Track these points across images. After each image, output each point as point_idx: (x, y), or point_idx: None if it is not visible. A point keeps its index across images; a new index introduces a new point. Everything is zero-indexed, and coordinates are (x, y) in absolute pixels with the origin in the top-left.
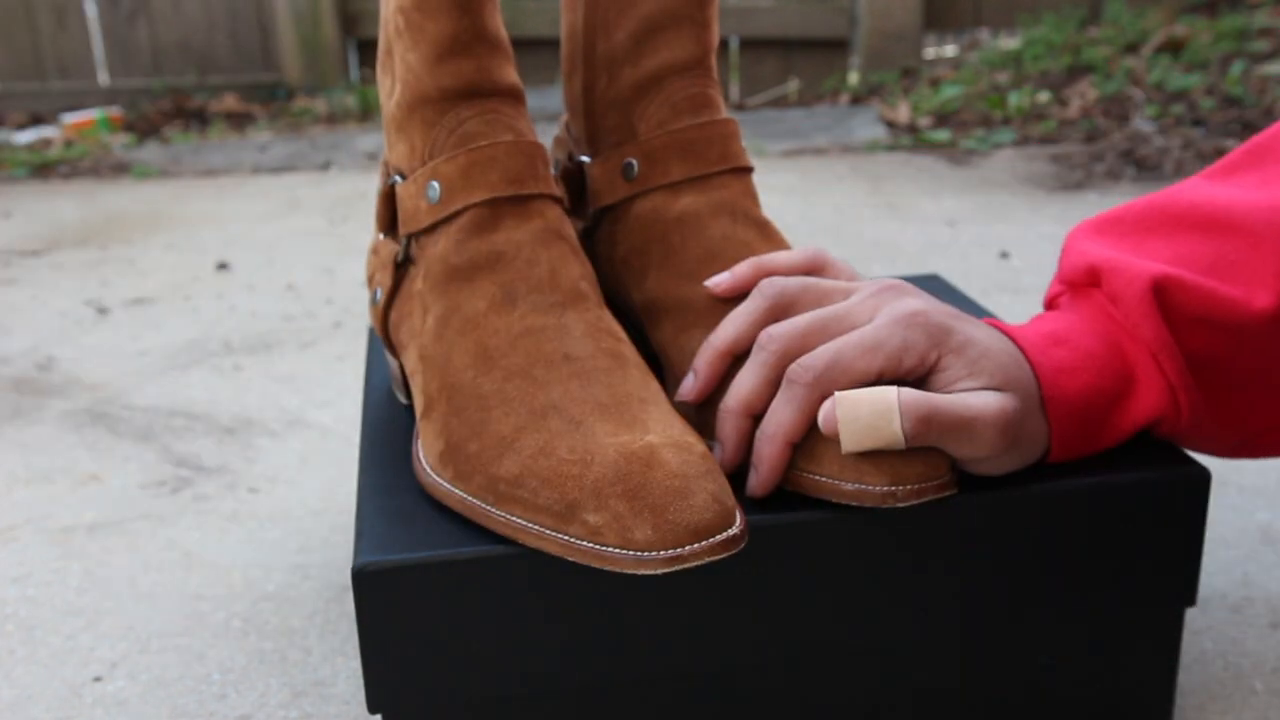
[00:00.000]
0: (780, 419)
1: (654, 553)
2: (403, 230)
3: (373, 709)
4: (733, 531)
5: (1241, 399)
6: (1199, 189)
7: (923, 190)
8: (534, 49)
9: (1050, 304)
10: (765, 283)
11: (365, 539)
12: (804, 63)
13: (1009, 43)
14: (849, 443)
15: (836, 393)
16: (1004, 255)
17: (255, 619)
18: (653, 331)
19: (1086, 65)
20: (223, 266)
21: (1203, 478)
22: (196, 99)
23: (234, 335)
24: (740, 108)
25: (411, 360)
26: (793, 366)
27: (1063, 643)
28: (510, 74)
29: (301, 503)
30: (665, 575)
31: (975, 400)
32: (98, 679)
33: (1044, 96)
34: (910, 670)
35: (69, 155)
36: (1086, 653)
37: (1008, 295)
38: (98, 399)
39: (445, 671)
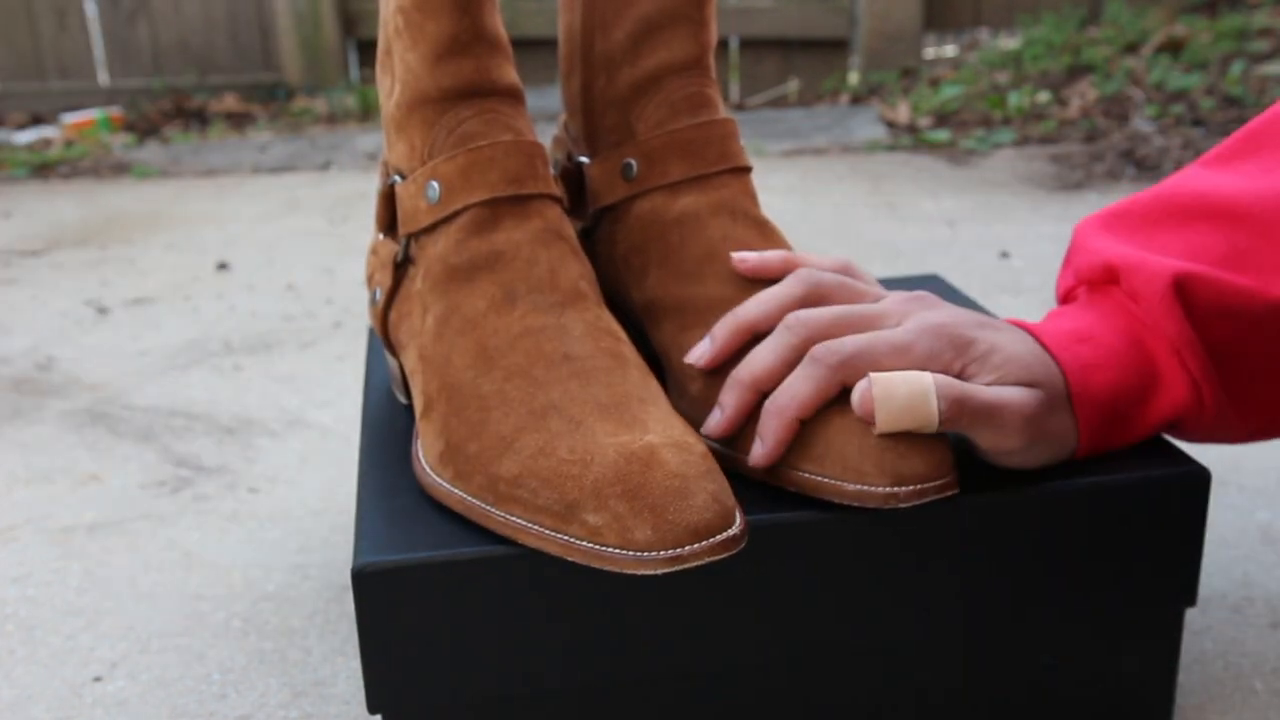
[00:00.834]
0: (795, 392)
1: (654, 553)
2: (402, 230)
3: (373, 709)
4: (733, 531)
5: (1262, 387)
6: (1201, 178)
7: (922, 190)
8: (534, 49)
9: (1065, 298)
10: (803, 271)
11: (365, 539)
12: (804, 63)
13: (1009, 43)
14: (885, 422)
15: (871, 373)
16: (1004, 255)
17: (255, 619)
18: (653, 331)
19: (1086, 65)
20: (223, 266)
21: (1203, 477)
22: (196, 99)
23: (234, 335)
24: (740, 108)
25: (411, 360)
26: (818, 346)
27: (1063, 643)
28: (510, 74)
29: (301, 503)
30: (665, 575)
31: (1004, 390)
32: (98, 679)
33: (1044, 96)
34: (910, 670)
35: (69, 155)
36: (1086, 653)
37: (1008, 295)
38: (98, 399)
39: (445, 671)
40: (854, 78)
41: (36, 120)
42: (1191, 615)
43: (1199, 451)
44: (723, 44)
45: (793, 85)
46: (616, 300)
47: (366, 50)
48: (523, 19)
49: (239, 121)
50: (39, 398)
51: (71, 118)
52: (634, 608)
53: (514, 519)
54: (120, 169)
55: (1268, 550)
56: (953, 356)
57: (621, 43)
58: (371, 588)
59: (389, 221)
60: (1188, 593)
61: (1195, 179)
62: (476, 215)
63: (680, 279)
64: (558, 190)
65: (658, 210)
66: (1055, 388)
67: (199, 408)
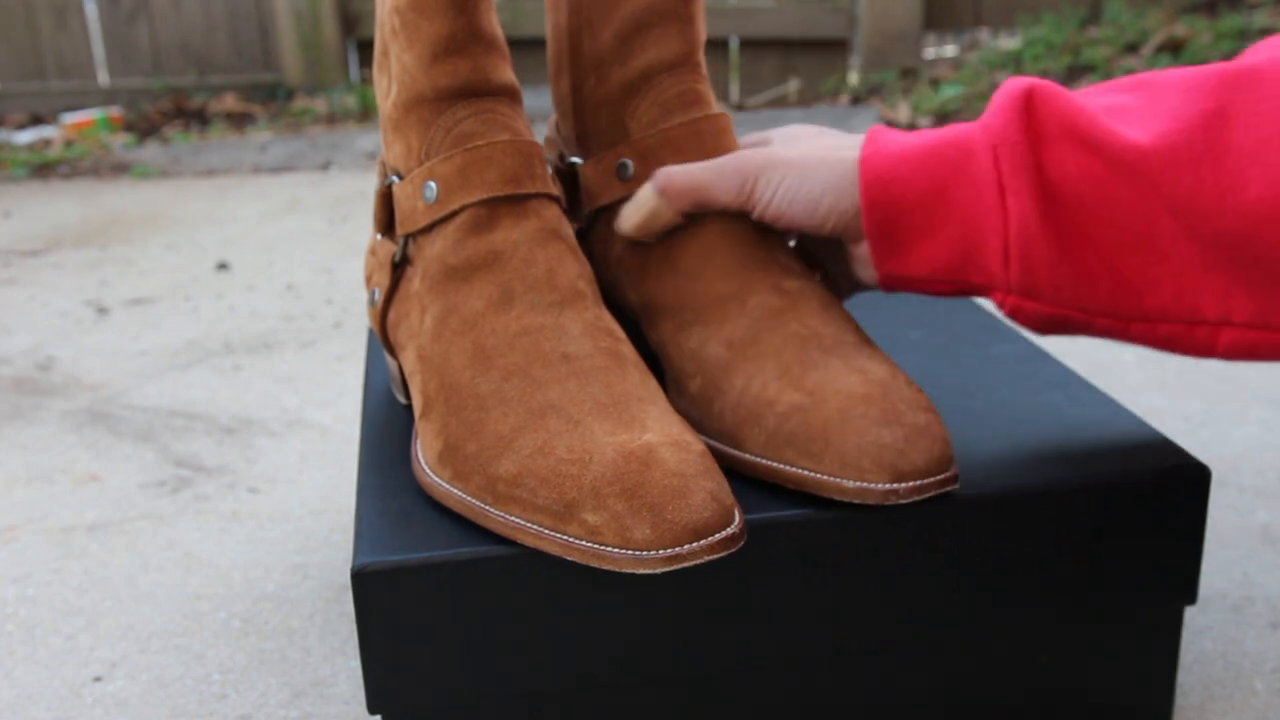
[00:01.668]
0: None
1: (653, 552)
2: (400, 230)
3: (373, 709)
4: (731, 530)
5: (1110, 263)
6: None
7: None
8: (534, 49)
9: None
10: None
11: (365, 539)
12: (804, 63)
13: (1009, 43)
14: (623, 221)
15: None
16: None
17: (255, 619)
18: (650, 330)
19: (1086, 65)
20: (223, 266)
21: (1202, 474)
22: (196, 99)
23: (234, 335)
24: (740, 108)
25: (410, 360)
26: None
27: (1063, 642)
28: (506, 73)
29: (301, 503)
30: (664, 574)
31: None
32: (98, 679)
33: None
34: (909, 669)
35: (69, 155)
36: (1086, 652)
37: None
38: (98, 399)
39: (445, 671)
40: (854, 78)
41: (36, 120)
42: (1191, 615)
43: (1199, 451)
44: (723, 44)
45: (793, 85)
46: (613, 300)
47: (366, 50)
48: (523, 19)
49: (239, 121)
50: (39, 398)
51: (71, 118)
52: (633, 607)
53: (513, 519)
54: (120, 169)
55: (1268, 550)
56: (739, 181)
57: (610, 42)
58: (371, 588)
59: (387, 222)
60: (1188, 591)
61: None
62: (474, 215)
63: (678, 277)
64: (556, 190)
65: None
66: (840, 183)
67: (199, 408)
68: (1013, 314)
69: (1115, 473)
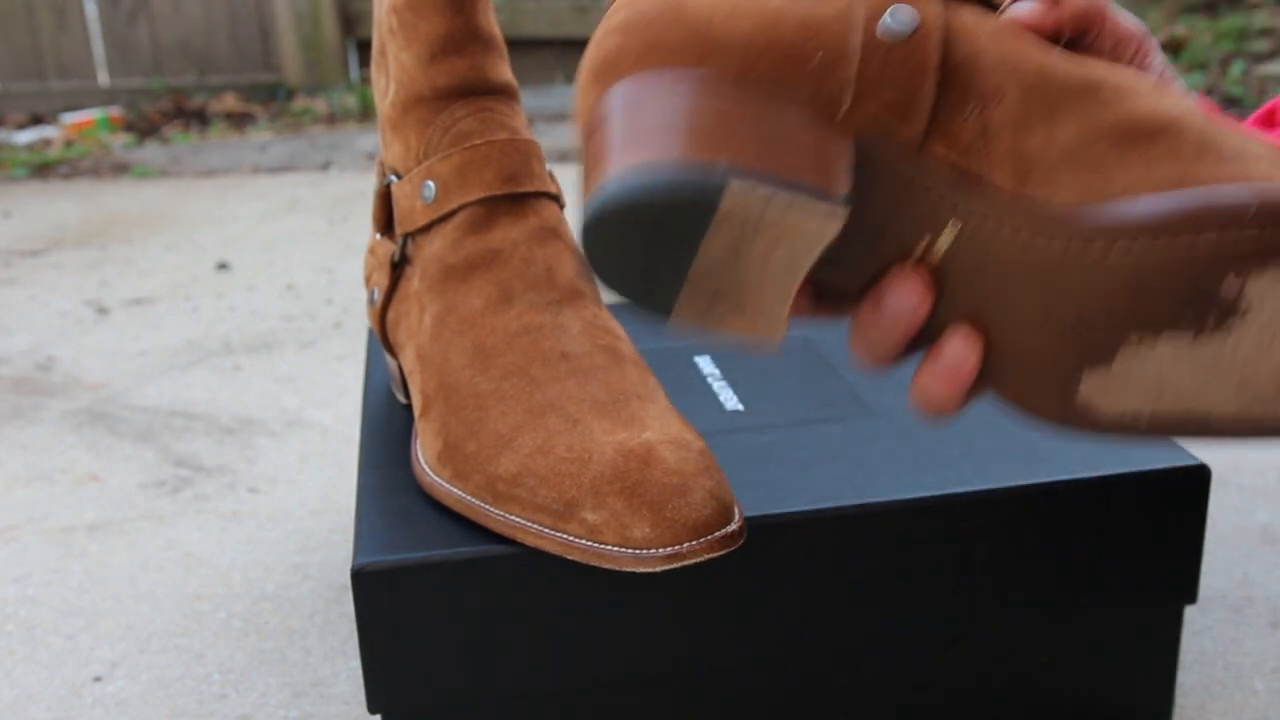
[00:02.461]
0: None
1: (652, 550)
2: (399, 230)
3: (373, 709)
4: (731, 528)
5: None
6: None
7: None
8: (533, 49)
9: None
10: None
11: (365, 539)
12: None
13: None
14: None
15: None
16: None
17: (255, 619)
18: None
19: None
20: (223, 266)
21: (1202, 473)
22: (196, 99)
23: (234, 335)
24: None
25: (409, 360)
26: None
27: (1063, 642)
28: (504, 72)
29: (301, 503)
30: (664, 572)
31: None
32: (98, 679)
33: None
34: (908, 669)
35: (69, 155)
36: (1086, 652)
37: None
38: (98, 399)
39: (445, 671)
40: None
41: (36, 120)
42: (1191, 615)
43: (1199, 449)
44: None
45: None
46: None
47: (366, 50)
48: (522, 19)
49: (239, 121)
50: (39, 398)
51: (71, 118)
52: (632, 606)
53: (513, 518)
54: (120, 169)
55: (1268, 550)
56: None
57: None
58: (371, 587)
59: (386, 221)
60: (1188, 591)
61: None
62: (473, 214)
63: None
64: (554, 188)
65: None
66: None
67: (199, 408)
68: None
69: (1115, 473)
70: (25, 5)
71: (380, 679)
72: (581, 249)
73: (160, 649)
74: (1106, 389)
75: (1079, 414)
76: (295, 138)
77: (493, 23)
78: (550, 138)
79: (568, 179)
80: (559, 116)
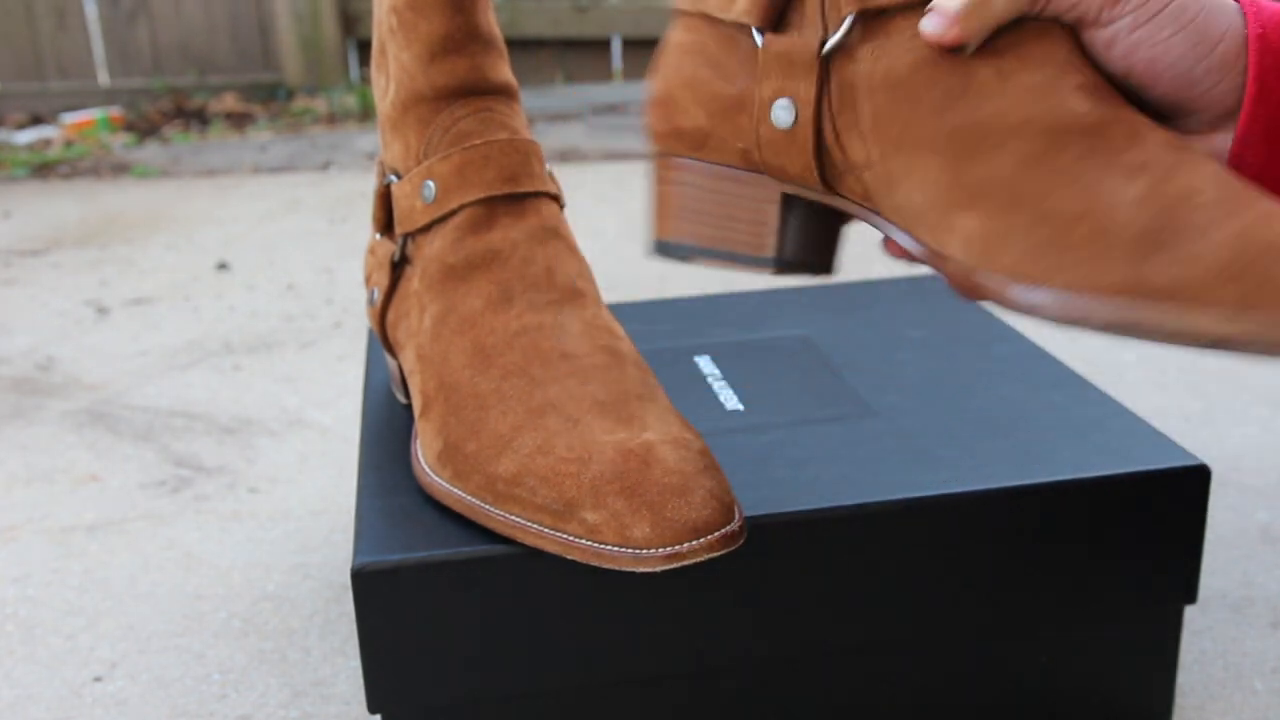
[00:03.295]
0: None
1: (652, 550)
2: (399, 230)
3: (373, 709)
4: (731, 528)
5: None
6: None
7: None
8: (533, 49)
9: None
10: None
11: (365, 539)
12: None
13: None
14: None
15: None
16: None
17: (255, 619)
18: None
19: None
20: (223, 266)
21: (1202, 473)
22: (196, 99)
23: (234, 335)
24: None
25: (409, 360)
26: None
27: (1063, 642)
28: (504, 72)
29: (301, 503)
30: (664, 572)
31: None
32: (98, 679)
33: None
34: (908, 669)
35: (69, 155)
36: (1086, 652)
37: None
38: (98, 399)
39: (445, 671)
40: None
41: (36, 120)
42: (1191, 615)
43: (1199, 450)
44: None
45: None
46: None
47: (367, 50)
48: (523, 19)
49: (239, 121)
50: (39, 398)
51: (71, 118)
52: (633, 605)
53: (513, 518)
54: (120, 169)
55: (1268, 550)
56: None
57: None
58: (371, 587)
59: (386, 221)
60: (1188, 590)
61: None
62: (472, 214)
63: None
64: (554, 188)
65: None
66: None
67: (199, 408)
68: None
69: (1115, 473)
70: (25, 5)
71: (380, 679)
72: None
73: (160, 649)
74: None
75: None
76: (295, 138)
77: (493, 23)
78: (550, 138)
79: (568, 179)
80: (559, 116)
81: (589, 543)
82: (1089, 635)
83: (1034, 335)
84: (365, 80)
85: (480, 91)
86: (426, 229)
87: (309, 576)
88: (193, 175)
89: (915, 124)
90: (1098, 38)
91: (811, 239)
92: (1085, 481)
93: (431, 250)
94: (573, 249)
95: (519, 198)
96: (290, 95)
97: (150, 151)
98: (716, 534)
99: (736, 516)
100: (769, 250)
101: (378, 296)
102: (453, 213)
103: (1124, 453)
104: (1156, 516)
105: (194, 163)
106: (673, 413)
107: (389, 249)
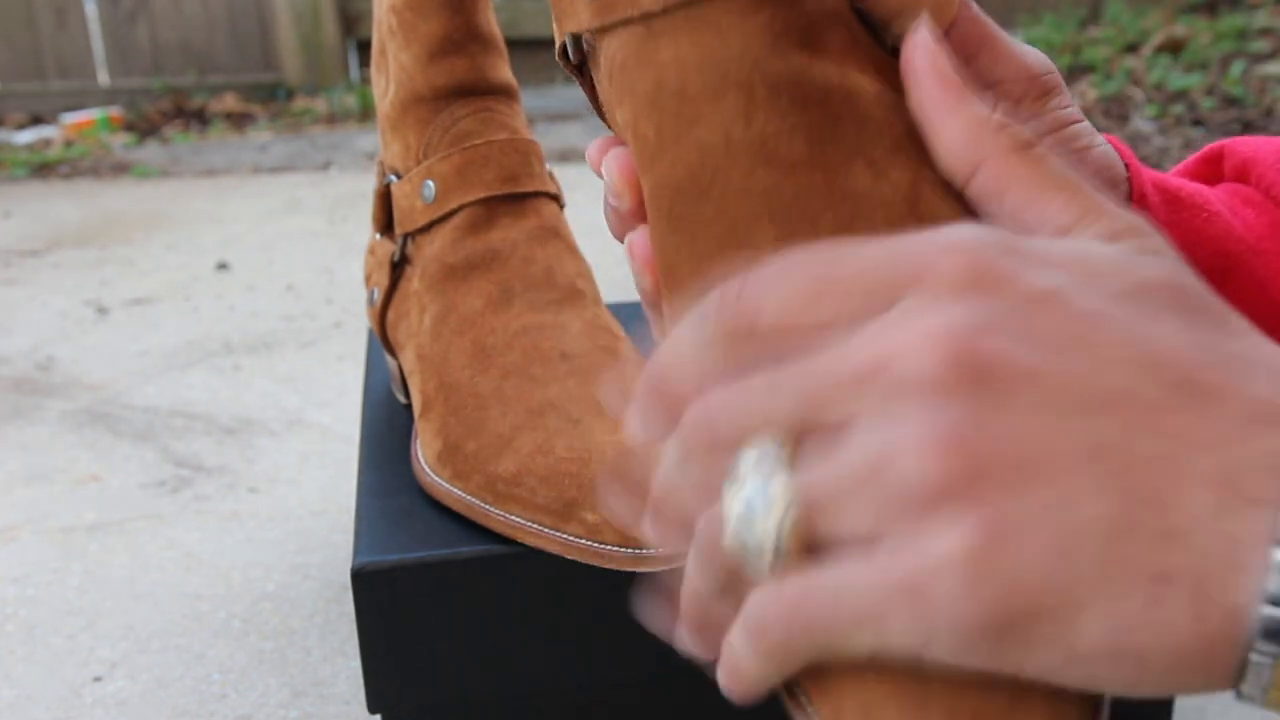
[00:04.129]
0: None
1: (652, 550)
2: (399, 230)
3: (373, 709)
4: None
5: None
6: None
7: None
8: (533, 49)
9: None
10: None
11: (365, 539)
12: None
13: None
14: None
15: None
16: None
17: (255, 619)
18: None
19: (1086, 65)
20: (223, 266)
21: None
22: (196, 99)
23: (234, 335)
24: None
25: (409, 360)
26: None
27: None
28: (504, 72)
29: (301, 503)
30: (664, 572)
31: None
32: (98, 679)
33: None
34: None
35: (69, 155)
36: None
37: None
38: (98, 399)
39: (445, 671)
40: None
41: (36, 120)
42: None
43: None
44: None
45: None
46: None
47: (366, 50)
48: (523, 19)
49: (239, 121)
50: (39, 398)
51: (71, 118)
52: (632, 606)
53: (513, 518)
54: (120, 169)
55: None
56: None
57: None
58: (371, 587)
59: (386, 221)
60: None
61: None
62: (472, 214)
63: None
64: (554, 188)
65: None
66: None
67: (199, 408)
68: None
69: None
70: (25, 5)
71: (380, 679)
72: None
73: (160, 649)
74: None
75: None
76: (295, 138)
77: (492, 22)
78: (550, 138)
79: (568, 179)
80: (559, 116)
81: (589, 542)
82: None
83: None
84: (365, 80)
85: (480, 91)
86: (426, 229)
87: (309, 576)
88: (193, 175)
89: None
90: None
91: None
92: None
93: (431, 250)
94: (573, 249)
95: (519, 198)
96: (290, 95)
97: (150, 151)
98: None
99: None
100: None
101: (378, 296)
102: (453, 213)
103: None
104: None
105: (194, 163)
106: None
107: (389, 249)
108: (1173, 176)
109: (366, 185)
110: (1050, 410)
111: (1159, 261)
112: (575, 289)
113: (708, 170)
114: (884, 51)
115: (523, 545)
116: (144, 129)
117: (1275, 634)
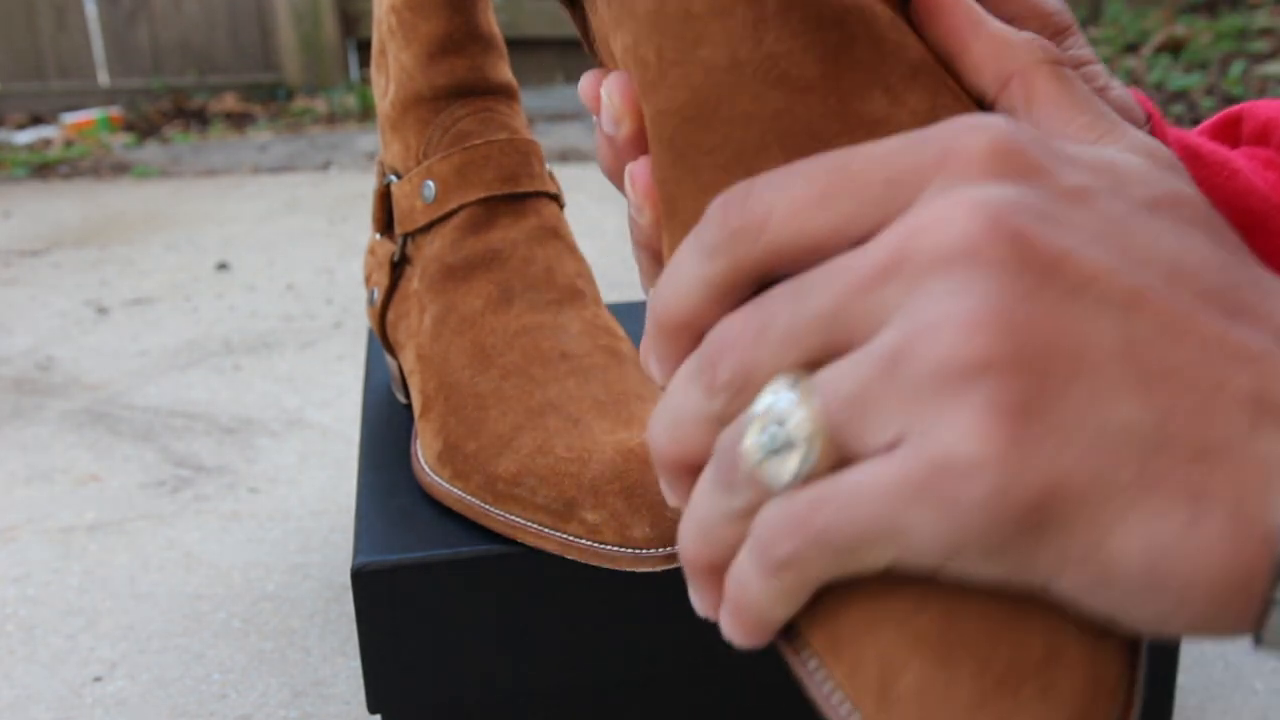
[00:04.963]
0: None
1: (652, 550)
2: (399, 230)
3: (373, 709)
4: None
5: None
6: None
7: None
8: (534, 49)
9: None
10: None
11: (365, 539)
12: None
13: None
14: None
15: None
16: None
17: (255, 619)
18: None
19: None
20: (223, 266)
21: None
22: (196, 99)
23: (234, 335)
24: None
25: (409, 360)
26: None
27: None
28: (504, 72)
29: (301, 503)
30: (663, 572)
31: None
32: (98, 679)
33: None
34: None
35: (69, 155)
36: None
37: None
38: (98, 399)
39: (445, 671)
40: None
41: (36, 120)
42: None
43: None
44: None
45: None
46: None
47: (366, 50)
48: (523, 19)
49: (239, 121)
50: (39, 398)
51: (71, 118)
52: (633, 605)
53: (513, 517)
54: (120, 169)
55: None
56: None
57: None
58: (371, 587)
59: (385, 221)
60: None
61: None
62: (472, 214)
63: None
64: (554, 188)
65: None
66: None
67: (199, 408)
68: None
69: None
70: (25, 5)
71: (380, 679)
72: None
73: (160, 649)
74: None
75: None
76: (295, 138)
77: (492, 22)
78: (550, 138)
79: (568, 179)
80: (559, 116)
81: (589, 542)
82: None
83: None
84: (365, 80)
85: (480, 91)
86: (426, 229)
87: (309, 576)
88: (193, 175)
89: None
90: None
91: None
92: None
93: (431, 250)
94: (573, 249)
95: (519, 198)
96: (290, 95)
97: (150, 151)
98: None
99: None
100: None
101: (378, 296)
102: (453, 213)
103: None
104: None
105: (194, 163)
106: None
107: (389, 249)
108: (1193, 134)
109: (366, 185)
110: (1087, 299)
111: (1184, 180)
112: (575, 289)
113: (713, 94)
114: None
115: (523, 545)
116: (144, 129)
117: None
